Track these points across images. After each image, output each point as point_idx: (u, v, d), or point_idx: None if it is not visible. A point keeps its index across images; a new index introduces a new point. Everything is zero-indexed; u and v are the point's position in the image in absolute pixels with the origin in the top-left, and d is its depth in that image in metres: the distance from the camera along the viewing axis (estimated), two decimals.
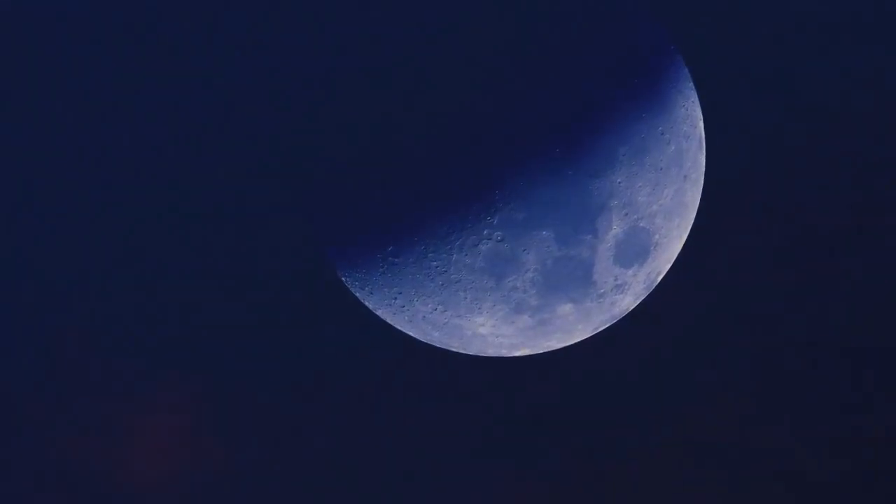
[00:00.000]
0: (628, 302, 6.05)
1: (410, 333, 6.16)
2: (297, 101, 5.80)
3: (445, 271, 5.55)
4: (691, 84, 6.00)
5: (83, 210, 7.64)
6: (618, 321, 6.17)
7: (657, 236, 5.79)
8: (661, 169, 5.64)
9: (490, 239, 5.42)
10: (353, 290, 6.08)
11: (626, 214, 5.55)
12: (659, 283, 6.16)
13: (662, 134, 5.63)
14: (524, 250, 5.44)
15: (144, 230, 7.51)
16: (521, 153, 5.30)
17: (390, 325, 6.15)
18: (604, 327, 6.17)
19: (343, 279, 6.07)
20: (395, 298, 5.84)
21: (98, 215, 7.64)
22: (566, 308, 5.73)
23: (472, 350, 6.12)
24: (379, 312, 6.10)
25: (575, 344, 6.18)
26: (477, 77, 5.33)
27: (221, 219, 7.45)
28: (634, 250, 5.72)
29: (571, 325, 5.89)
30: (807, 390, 7.42)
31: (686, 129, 5.85)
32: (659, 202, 5.67)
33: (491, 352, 6.09)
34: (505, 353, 6.09)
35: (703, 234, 6.34)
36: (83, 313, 7.77)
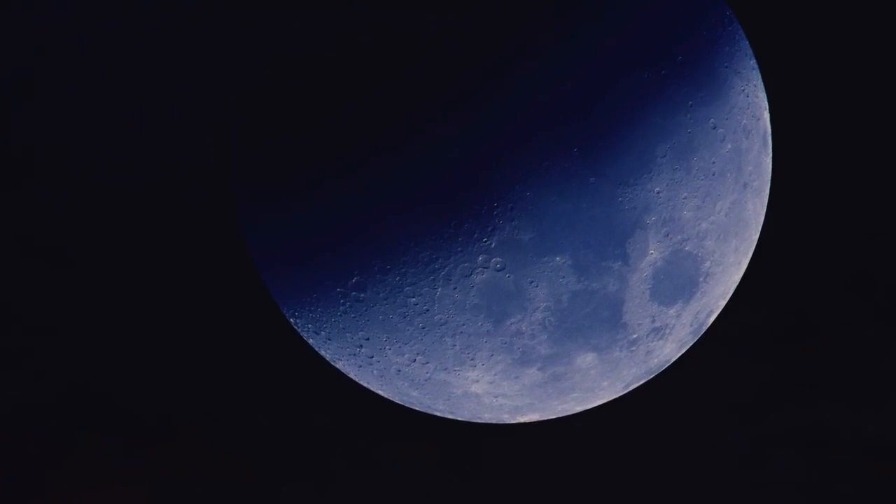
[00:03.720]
0: (670, 351, 5.74)
1: (381, 393, 5.91)
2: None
3: (427, 310, 5.25)
4: (753, 61, 5.66)
5: None
6: (656, 376, 5.96)
7: (708, 263, 5.46)
8: (714, 174, 5.29)
9: (486, 267, 5.11)
10: (304, 335, 5.83)
11: (668, 235, 5.23)
12: (711, 326, 5.93)
13: (715, 128, 5.28)
14: (532, 282, 5.11)
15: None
16: (527, 152, 4.95)
17: (354, 382, 5.95)
18: (637, 384, 5.91)
19: (291, 321, 5.82)
20: (361, 346, 5.54)
21: None
22: (587, 359, 5.43)
23: (462, 415, 5.90)
24: (339, 365, 5.86)
25: (599, 407, 6.00)
26: (467, 50, 4.93)
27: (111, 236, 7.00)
28: (678, 282, 5.39)
29: (594, 382, 5.60)
30: None
31: (746, 122, 5.48)
32: (710, 218, 5.35)
33: (488, 417, 5.85)
34: (507, 418, 5.85)
35: (770, 260, 6.00)
36: None
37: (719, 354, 6.38)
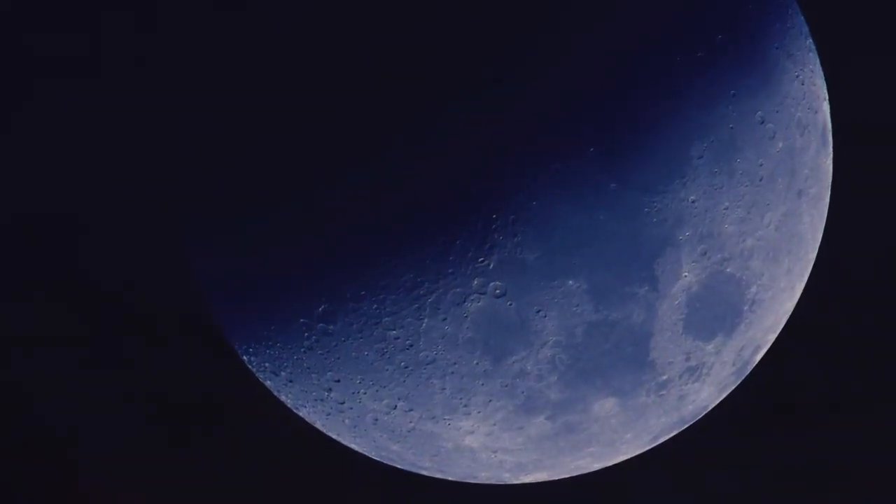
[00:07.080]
0: (707, 395, 5.61)
1: (354, 447, 5.84)
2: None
3: (411, 346, 5.08)
4: (810, 41, 5.58)
5: None
6: (690, 427, 5.87)
7: (754, 289, 5.32)
8: (762, 180, 5.14)
9: (483, 293, 4.94)
10: (260, 376, 5.75)
11: (705, 253, 5.08)
12: (758, 365, 5.85)
13: (763, 122, 5.12)
14: (538, 312, 4.95)
15: None
16: (532, 153, 4.79)
17: (322, 434, 5.89)
18: (668, 437, 5.85)
19: (244, 359, 5.74)
20: (330, 390, 5.38)
21: None
22: (607, 405, 5.30)
23: (454, 473, 5.82)
24: (303, 413, 5.77)
25: (622, 464, 5.93)
26: (460, 30, 4.77)
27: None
28: (717, 312, 5.23)
29: (615, 434, 5.49)
30: None
31: (801, 116, 5.34)
32: (757, 233, 5.22)
33: (485, 476, 5.76)
34: (508, 477, 5.76)
35: (831, 284, 5.84)
36: None
37: (767, 399, 6.52)
